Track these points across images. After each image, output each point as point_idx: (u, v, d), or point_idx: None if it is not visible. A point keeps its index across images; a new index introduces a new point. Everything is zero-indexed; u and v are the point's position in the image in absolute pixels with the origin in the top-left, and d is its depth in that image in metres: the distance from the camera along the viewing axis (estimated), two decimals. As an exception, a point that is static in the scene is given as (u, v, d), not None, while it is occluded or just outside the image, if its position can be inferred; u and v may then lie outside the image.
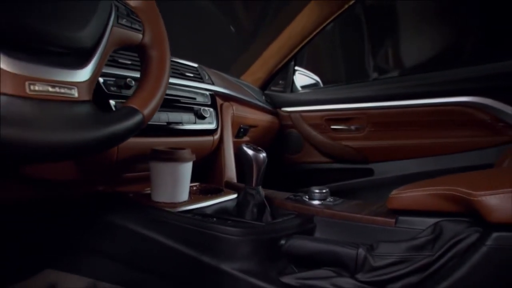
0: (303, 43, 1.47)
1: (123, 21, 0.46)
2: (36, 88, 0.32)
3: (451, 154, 1.30)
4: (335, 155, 1.51)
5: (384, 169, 1.42)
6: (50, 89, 0.33)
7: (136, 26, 0.49)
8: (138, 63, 0.57)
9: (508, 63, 1.28)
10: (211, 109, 0.96)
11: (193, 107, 0.89)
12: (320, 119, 1.51)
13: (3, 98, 0.31)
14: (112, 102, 0.60)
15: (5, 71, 0.31)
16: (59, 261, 0.73)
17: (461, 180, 0.54)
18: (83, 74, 0.38)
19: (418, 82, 1.41)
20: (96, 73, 0.39)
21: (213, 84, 1.02)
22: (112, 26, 0.43)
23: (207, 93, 0.98)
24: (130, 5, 0.50)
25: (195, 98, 0.91)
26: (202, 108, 0.91)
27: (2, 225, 0.70)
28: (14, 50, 0.32)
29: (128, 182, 0.82)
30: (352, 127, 1.48)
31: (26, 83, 0.31)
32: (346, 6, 1.35)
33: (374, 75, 2.22)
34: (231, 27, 1.87)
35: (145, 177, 0.80)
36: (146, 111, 0.46)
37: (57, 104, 0.34)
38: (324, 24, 1.41)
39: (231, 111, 1.09)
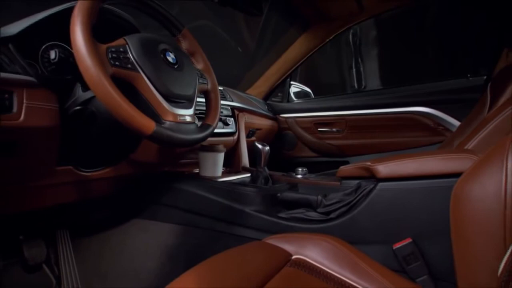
0: (296, 66, 1.85)
1: (200, 80, 0.95)
2: (180, 118, 0.81)
3: (404, 150, 1.68)
4: (321, 151, 1.89)
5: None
6: (183, 118, 0.83)
7: (205, 81, 0.97)
8: None
9: (445, 83, 1.65)
10: (232, 119, 1.40)
11: (221, 118, 1.34)
12: (310, 123, 1.87)
13: (170, 123, 0.80)
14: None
15: (168, 111, 0.80)
16: (144, 212, 1.12)
17: (374, 160, 1.02)
18: (191, 110, 0.86)
19: (382, 96, 1.78)
20: (194, 108, 0.88)
21: (232, 100, 1.46)
22: (197, 84, 0.92)
23: (229, 107, 1.42)
24: (201, 69, 0.99)
25: (222, 112, 1.36)
26: (226, 118, 1.36)
27: (104, 190, 1.11)
28: (169, 101, 0.81)
29: (182, 165, 1.25)
30: (334, 130, 1.83)
31: (177, 116, 0.81)
32: (327, 40, 1.76)
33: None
34: (239, 48, 2.31)
35: (192, 163, 1.25)
36: (214, 124, 0.94)
37: (186, 124, 0.83)
38: (311, 53, 1.80)
39: (244, 119, 1.50)
